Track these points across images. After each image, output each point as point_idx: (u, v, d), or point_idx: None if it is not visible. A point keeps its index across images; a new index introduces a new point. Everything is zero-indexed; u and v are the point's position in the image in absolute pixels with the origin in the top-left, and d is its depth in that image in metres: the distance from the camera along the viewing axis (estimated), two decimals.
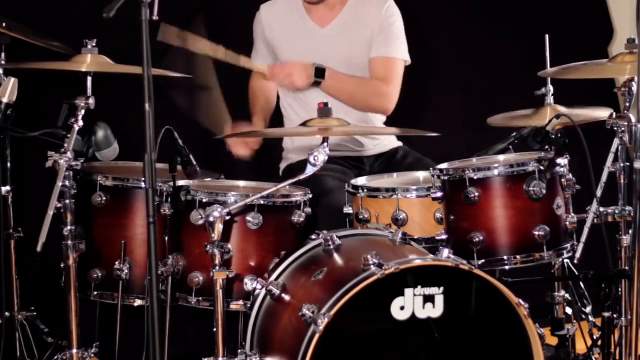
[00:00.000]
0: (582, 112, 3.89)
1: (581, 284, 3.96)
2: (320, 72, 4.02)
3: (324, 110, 3.35)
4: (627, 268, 3.51)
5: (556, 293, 3.95)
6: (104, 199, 3.58)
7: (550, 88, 3.95)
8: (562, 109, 3.89)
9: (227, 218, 3.18)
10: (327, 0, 4.17)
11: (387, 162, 4.23)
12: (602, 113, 3.80)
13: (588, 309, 4.01)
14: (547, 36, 3.96)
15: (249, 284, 3.28)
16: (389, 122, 4.27)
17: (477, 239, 3.42)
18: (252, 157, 4.10)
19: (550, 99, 3.94)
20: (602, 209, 3.66)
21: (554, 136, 3.49)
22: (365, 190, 3.67)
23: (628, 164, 3.53)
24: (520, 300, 3.08)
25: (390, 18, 4.18)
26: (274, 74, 4.07)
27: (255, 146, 4.08)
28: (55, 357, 3.50)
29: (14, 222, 3.87)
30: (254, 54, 4.26)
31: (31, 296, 4.06)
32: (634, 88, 3.61)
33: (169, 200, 3.42)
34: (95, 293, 3.61)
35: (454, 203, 3.48)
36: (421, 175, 3.89)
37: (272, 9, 4.26)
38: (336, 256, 3.25)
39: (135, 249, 3.58)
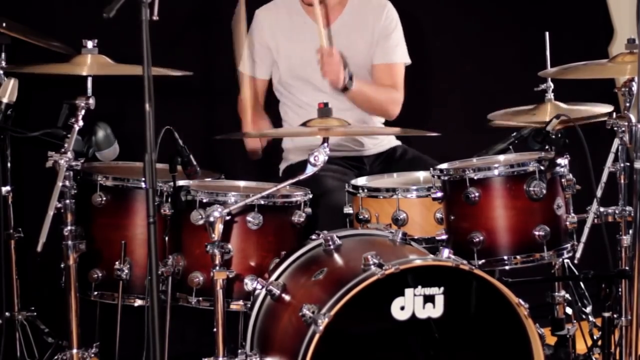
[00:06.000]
0: (582, 108, 3.89)
1: (581, 284, 3.96)
2: (351, 77, 4.02)
3: (324, 110, 3.34)
4: (627, 268, 3.51)
5: (556, 293, 3.95)
6: (104, 199, 3.58)
7: (550, 84, 3.94)
8: (562, 105, 3.89)
9: (227, 218, 3.18)
10: (326, 2, 4.16)
11: (386, 161, 4.23)
12: (603, 109, 3.80)
13: (588, 309, 4.00)
14: (547, 35, 3.96)
15: (249, 284, 3.27)
16: (389, 122, 4.26)
17: (477, 239, 3.42)
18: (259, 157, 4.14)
19: (550, 95, 3.94)
20: (602, 209, 3.66)
21: (554, 136, 3.49)
22: (365, 190, 3.66)
23: (628, 164, 3.53)
24: (520, 300, 3.07)
25: (390, 24, 4.19)
26: (328, 61, 3.97)
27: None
28: (55, 357, 3.50)
29: (14, 222, 3.87)
30: (243, 64, 4.14)
31: (31, 296, 4.06)
32: (634, 88, 3.61)
33: (169, 200, 3.41)
34: (95, 293, 3.61)
35: (454, 203, 3.48)
36: (421, 175, 3.88)
37: (271, 12, 4.24)
38: (336, 256, 3.25)
39: (135, 249, 3.57)
